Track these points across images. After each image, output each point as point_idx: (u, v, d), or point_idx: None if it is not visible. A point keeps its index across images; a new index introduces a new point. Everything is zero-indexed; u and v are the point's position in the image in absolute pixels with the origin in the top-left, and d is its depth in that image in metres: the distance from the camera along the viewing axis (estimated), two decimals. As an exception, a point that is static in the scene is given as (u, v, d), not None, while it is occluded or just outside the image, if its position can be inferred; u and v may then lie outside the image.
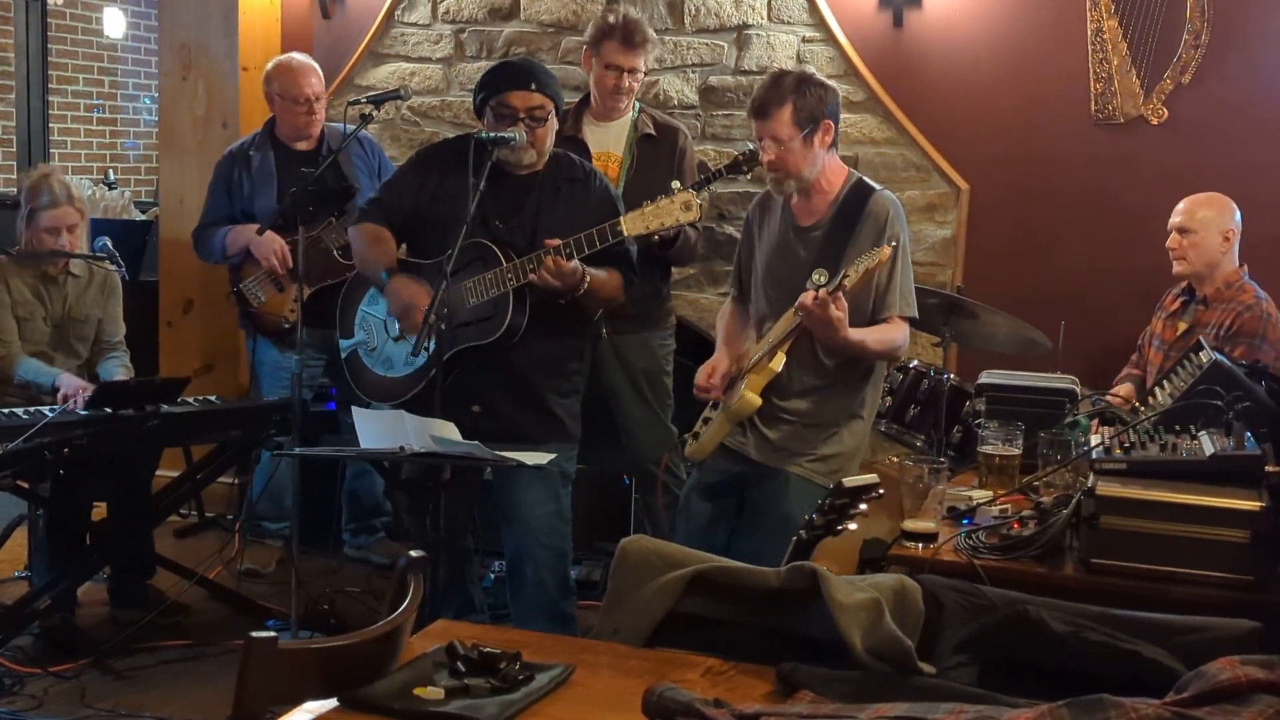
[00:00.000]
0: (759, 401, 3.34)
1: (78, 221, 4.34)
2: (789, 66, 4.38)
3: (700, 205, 3.40)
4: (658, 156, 4.28)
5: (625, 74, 4.21)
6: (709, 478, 3.52)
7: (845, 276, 3.14)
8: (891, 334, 3.30)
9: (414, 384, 3.60)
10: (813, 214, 3.39)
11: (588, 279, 3.44)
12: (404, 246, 3.73)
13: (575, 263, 3.39)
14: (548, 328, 3.52)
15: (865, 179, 3.44)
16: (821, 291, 3.14)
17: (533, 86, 3.47)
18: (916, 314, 3.38)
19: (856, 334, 3.21)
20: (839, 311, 3.11)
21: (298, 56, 4.83)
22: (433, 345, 3.32)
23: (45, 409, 3.91)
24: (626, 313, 4.11)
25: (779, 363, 3.31)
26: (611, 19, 4.26)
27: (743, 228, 3.64)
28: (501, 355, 3.49)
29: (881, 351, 3.35)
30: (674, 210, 3.38)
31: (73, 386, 4.12)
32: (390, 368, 3.70)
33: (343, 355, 3.85)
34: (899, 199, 3.44)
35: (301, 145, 4.77)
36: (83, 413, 3.88)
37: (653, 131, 4.31)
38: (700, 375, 3.47)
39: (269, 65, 4.84)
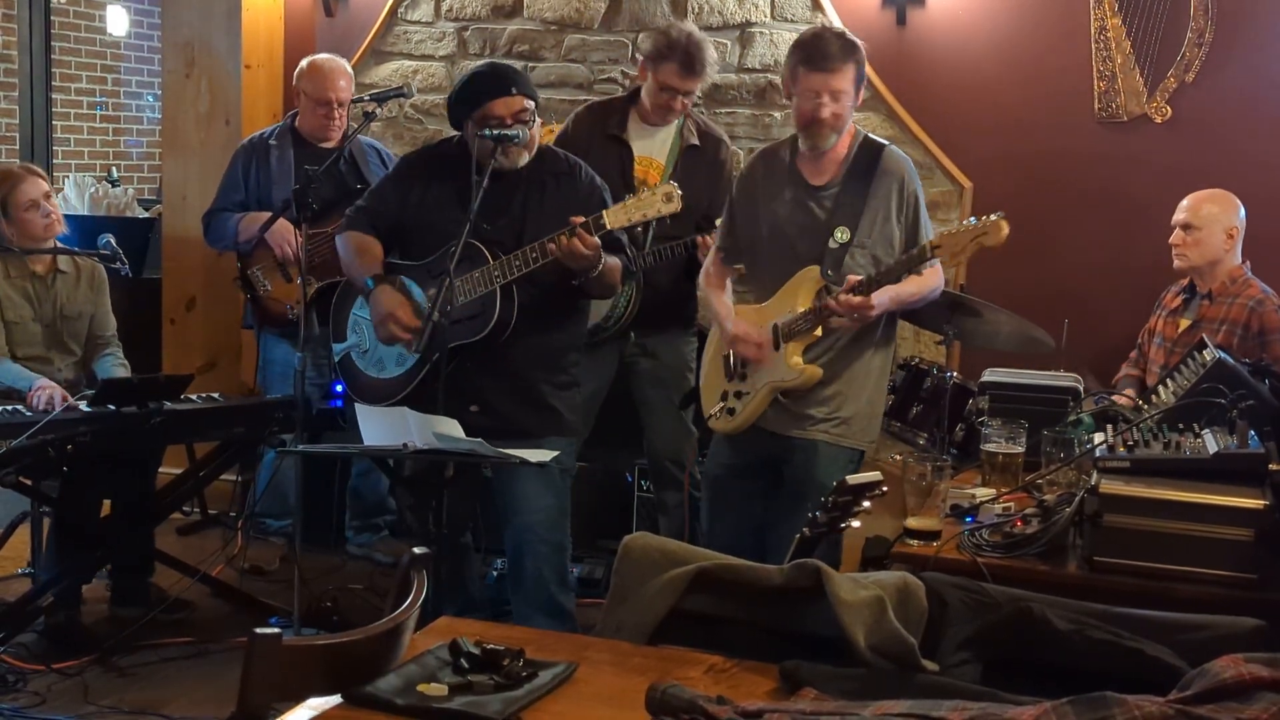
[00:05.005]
0: (820, 372, 3.38)
1: (49, 188, 4.32)
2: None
3: (681, 196, 3.41)
4: (698, 166, 4.25)
5: (680, 96, 4.16)
6: (739, 458, 3.55)
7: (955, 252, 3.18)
8: (930, 281, 3.40)
9: (405, 384, 3.62)
10: (823, 173, 3.45)
11: (603, 260, 3.44)
12: (396, 252, 3.73)
13: (597, 239, 3.39)
14: (543, 321, 3.53)
15: (870, 135, 3.52)
16: (854, 298, 3.22)
17: (513, 91, 3.45)
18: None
19: (885, 304, 3.31)
20: (873, 302, 3.25)
21: (333, 59, 4.82)
22: (425, 342, 3.36)
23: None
24: (657, 315, 4.19)
25: (821, 331, 3.37)
26: (674, 35, 4.12)
27: (738, 187, 3.64)
28: (497, 351, 3.50)
29: (917, 300, 3.45)
30: (655, 202, 3.41)
31: (44, 389, 3.98)
32: (382, 369, 3.72)
33: (336, 358, 3.87)
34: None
35: (325, 144, 4.76)
36: (86, 409, 3.88)
37: (696, 141, 4.26)
38: (748, 335, 3.45)
39: (303, 61, 4.84)
